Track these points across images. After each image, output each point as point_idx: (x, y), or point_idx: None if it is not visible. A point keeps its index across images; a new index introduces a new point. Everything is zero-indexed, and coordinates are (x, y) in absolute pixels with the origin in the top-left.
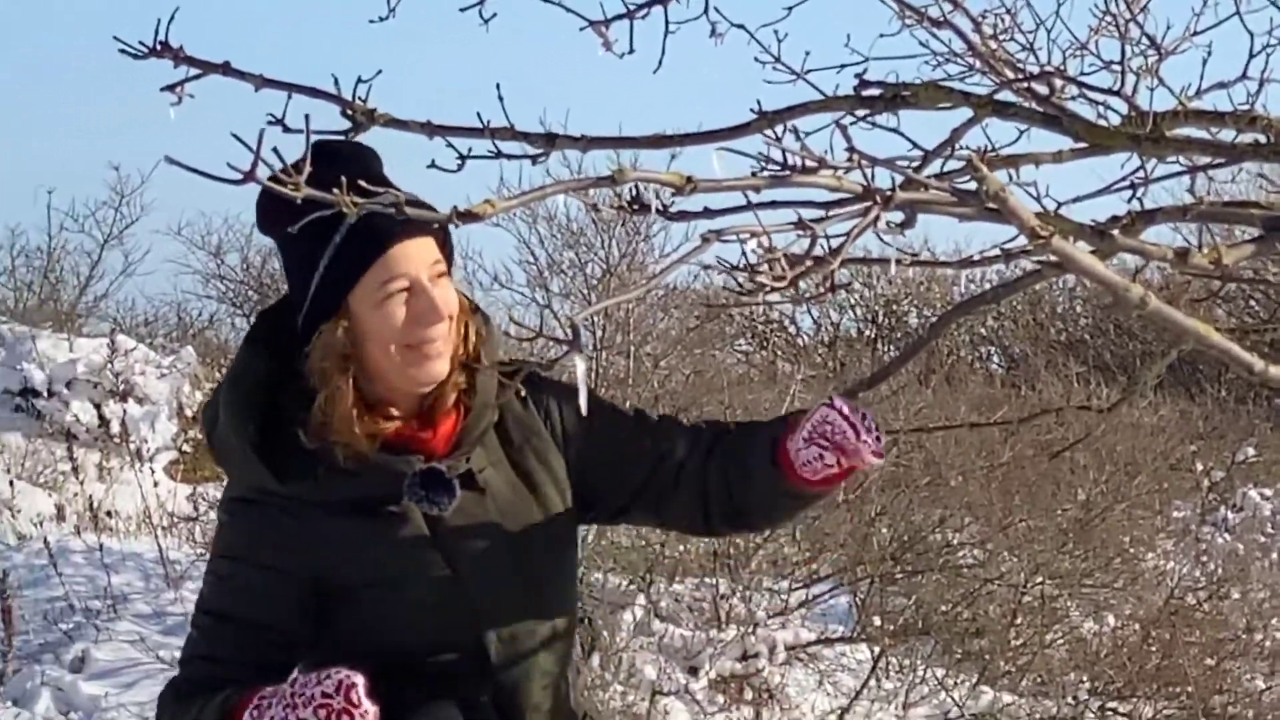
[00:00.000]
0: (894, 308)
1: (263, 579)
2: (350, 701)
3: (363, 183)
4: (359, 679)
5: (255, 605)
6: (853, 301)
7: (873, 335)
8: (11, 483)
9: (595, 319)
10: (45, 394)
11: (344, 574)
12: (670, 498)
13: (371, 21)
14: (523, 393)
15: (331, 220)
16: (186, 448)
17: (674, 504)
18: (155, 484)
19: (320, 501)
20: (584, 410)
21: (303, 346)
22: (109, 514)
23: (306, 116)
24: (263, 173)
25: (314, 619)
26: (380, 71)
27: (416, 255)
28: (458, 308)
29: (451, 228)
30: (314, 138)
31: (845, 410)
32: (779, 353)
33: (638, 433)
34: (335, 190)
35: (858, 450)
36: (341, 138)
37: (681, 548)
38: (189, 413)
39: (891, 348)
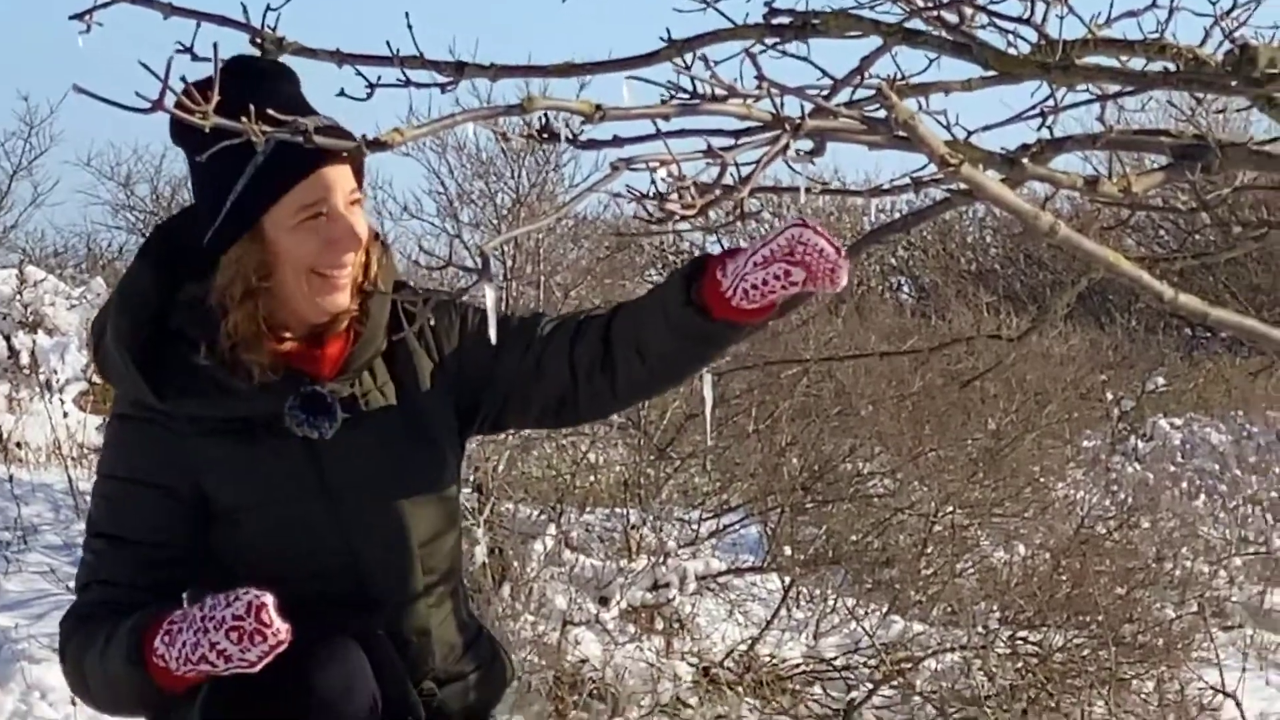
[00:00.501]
0: None
1: (150, 497)
2: (261, 622)
3: (272, 110)
4: (268, 598)
5: (145, 524)
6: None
7: None
8: None
9: (505, 249)
10: None
11: (224, 494)
12: (575, 388)
13: None
14: (432, 322)
15: (250, 141)
16: (96, 379)
17: (582, 390)
18: (65, 415)
19: (201, 419)
20: (493, 339)
21: (206, 265)
22: (18, 445)
23: (215, 44)
24: (171, 101)
25: (205, 536)
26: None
27: (336, 182)
28: (367, 237)
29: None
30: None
31: (820, 229)
32: None
33: (514, 332)
34: (244, 119)
35: (835, 268)
36: (259, 55)
37: (592, 478)
38: None
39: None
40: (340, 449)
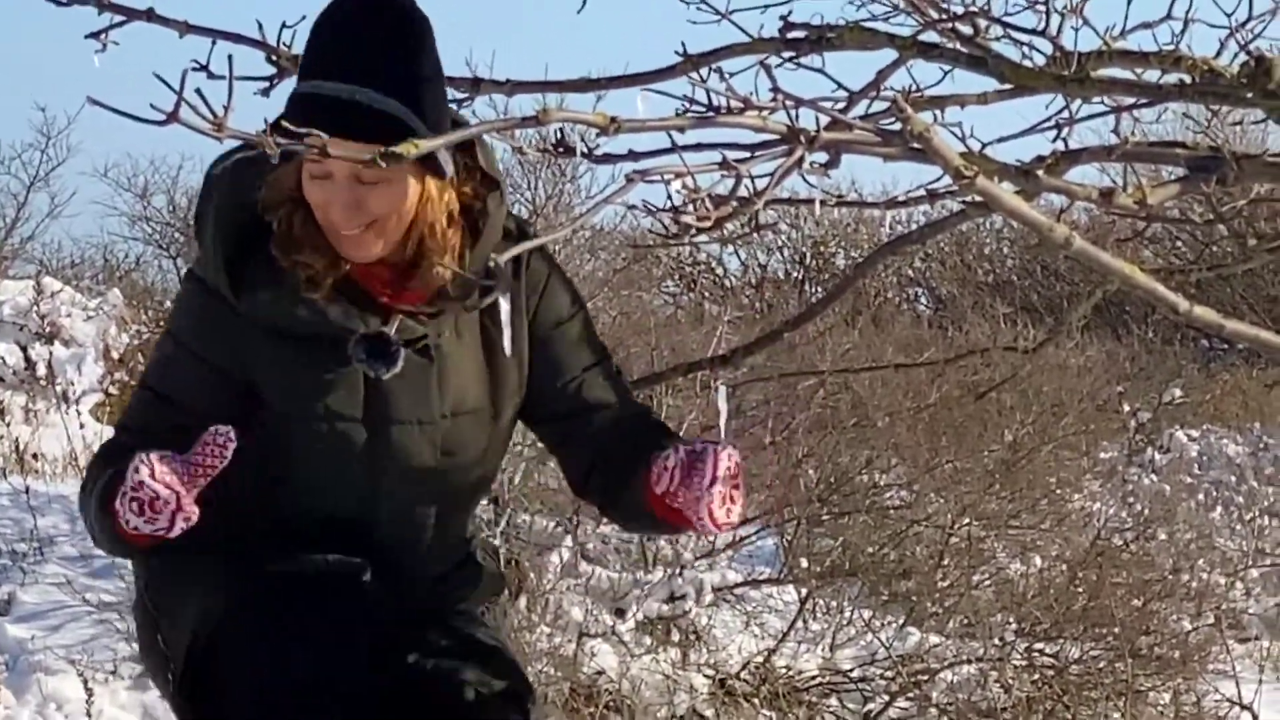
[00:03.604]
0: (821, 249)
1: (202, 370)
2: (151, 493)
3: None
4: (149, 468)
5: (191, 393)
6: (780, 243)
7: (800, 276)
8: None
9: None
10: None
11: (273, 396)
12: (570, 447)
13: None
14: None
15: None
16: (113, 390)
17: (570, 455)
18: (81, 426)
19: (268, 324)
20: (507, 352)
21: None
22: (35, 456)
23: (230, 57)
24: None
25: (243, 423)
26: (305, 17)
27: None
28: (390, 213)
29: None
30: (239, 85)
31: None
32: (706, 294)
33: (588, 372)
34: (258, 131)
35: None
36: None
37: None
38: (115, 355)
39: (819, 289)
40: (391, 386)
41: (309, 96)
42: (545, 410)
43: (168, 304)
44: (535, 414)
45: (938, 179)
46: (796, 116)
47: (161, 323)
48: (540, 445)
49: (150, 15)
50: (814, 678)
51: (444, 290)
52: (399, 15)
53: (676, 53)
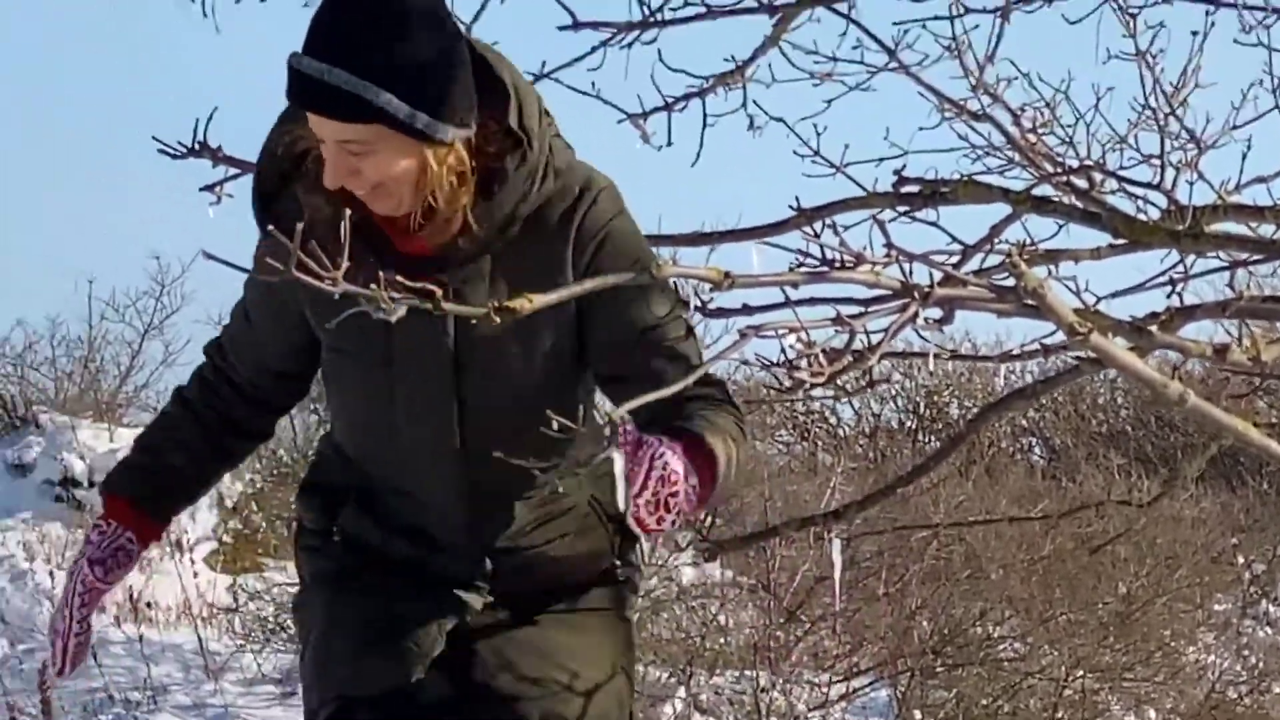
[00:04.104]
0: (935, 398)
1: (268, 301)
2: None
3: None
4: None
5: (262, 313)
6: (893, 392)
7: (914, 426)
8: (52, 573)
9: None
10: (86, 484)
11: (320, 329)
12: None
13: None
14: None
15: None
16: (227, 538)
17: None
18: (195, 575)
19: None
20: (622, 507)
21: None
22: (149, 605)
23: (348, 213)
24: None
25: (309, 356)
26: None
27: (320, 128)
28: (383, 179)
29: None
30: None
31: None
32: (820, 444)
33: (640, 337)
34: (374, 285)
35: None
36: None
37: (722, 640)
38: (229, 503)
39: (933, 438)
40: (411, 329)
41: (291, 70)
42: (597, 369)
43: (280, 452)
44: (594, 370)
45: (1052, 333)
46: (910, 271)
47: (275, 472)
48: (653, 595)
49: None
50: None
51: (453, 244)
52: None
53: (790, 206)
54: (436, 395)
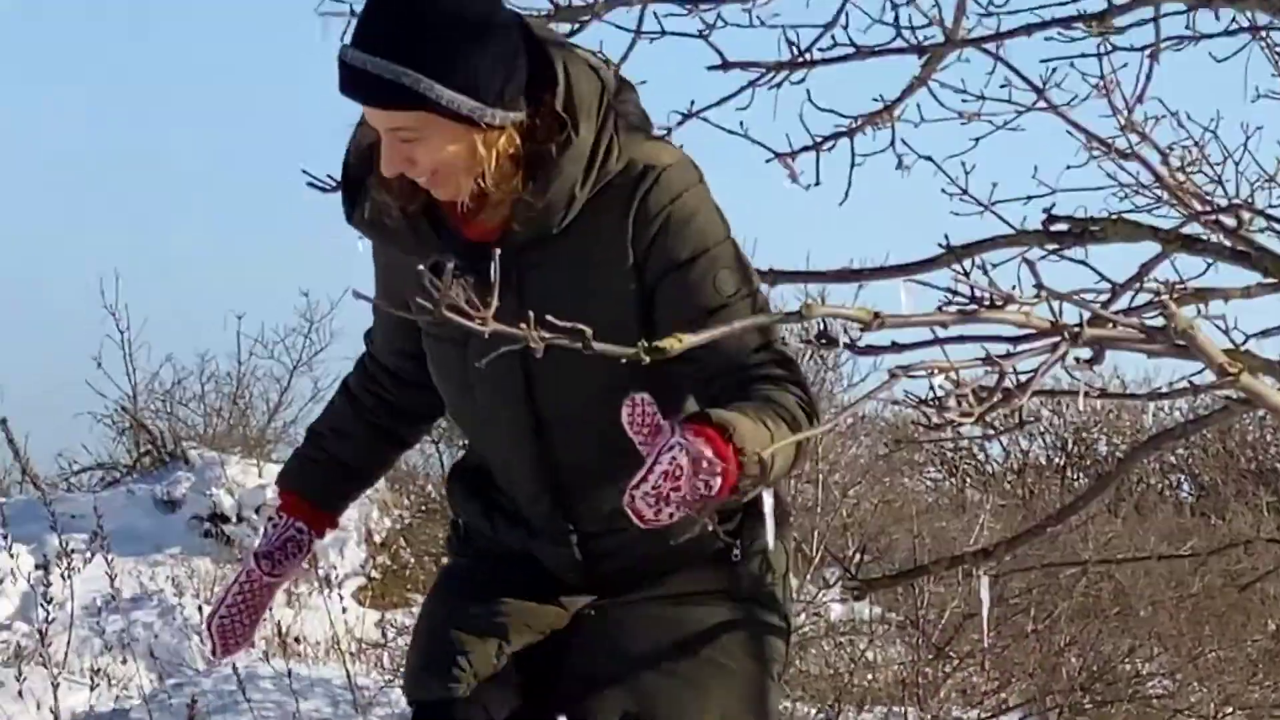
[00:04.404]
0: (1083, 435)
1: (379, 285)
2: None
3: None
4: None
5: (383, 315)
6: (1041, 429)
7: (1062, 463)
8: (200, 608)
9: None
10: (234, 519)
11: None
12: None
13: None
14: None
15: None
16: (375, 574)
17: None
18: (344, 610)
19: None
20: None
21: None
22: (297, 640)
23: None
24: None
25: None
26: None
27: (371, 117)
28: (437, 165)
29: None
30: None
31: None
32: (968, 480)
33: (696, 323)
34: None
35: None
36: None
37: (870, 676)
38: (378, 539)
39: (1081, 475)
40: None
41: (341, 64)
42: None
43: (429, 489)
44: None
45: (1200, 370)
46: (1060, 310)
47: (423, 508)
48: (802, 631)
49: None
50: None
51: (510, 228)
52: None
53: (939, 244)
54: (504, 372)
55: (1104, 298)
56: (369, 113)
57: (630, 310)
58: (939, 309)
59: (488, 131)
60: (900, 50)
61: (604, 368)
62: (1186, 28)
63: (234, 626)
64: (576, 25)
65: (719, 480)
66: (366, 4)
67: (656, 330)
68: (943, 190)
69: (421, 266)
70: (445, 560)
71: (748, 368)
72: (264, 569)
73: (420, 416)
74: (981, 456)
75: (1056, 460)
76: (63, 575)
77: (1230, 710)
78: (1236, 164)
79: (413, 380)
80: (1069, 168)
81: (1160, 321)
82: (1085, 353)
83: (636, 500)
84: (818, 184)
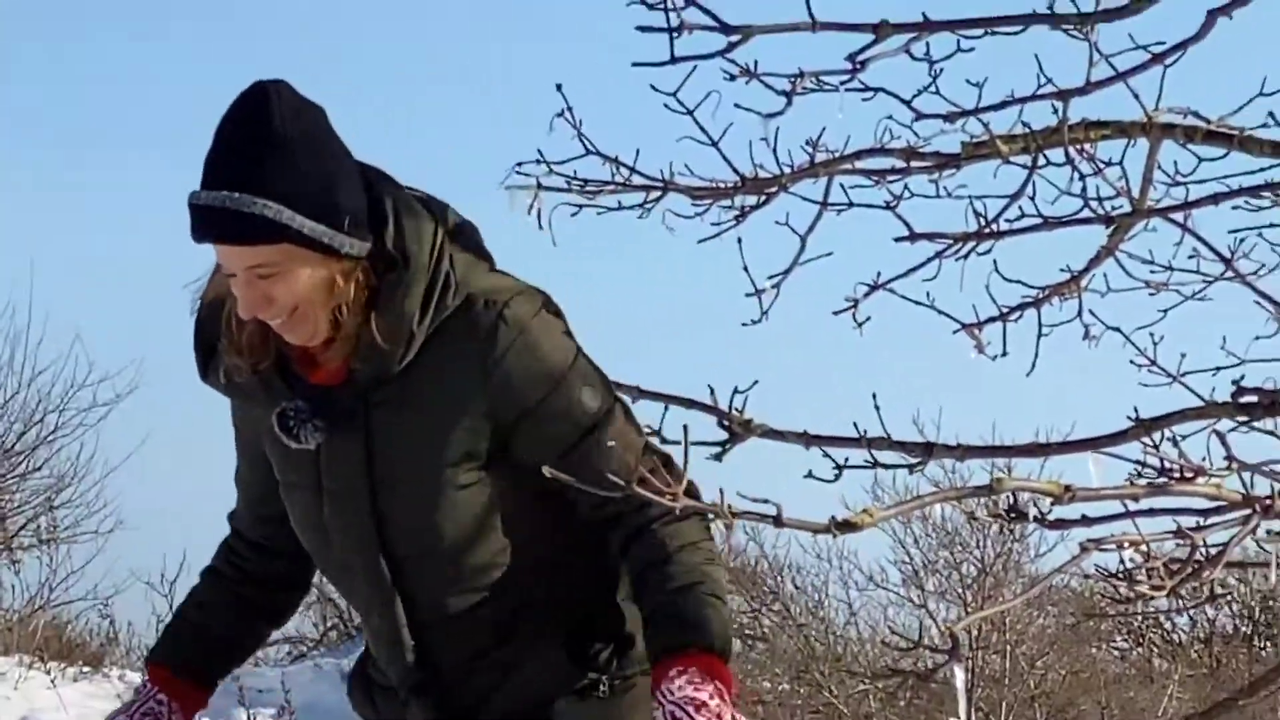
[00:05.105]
0: (1270, 603)
1: (243, 446)
2: None
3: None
4: None
5: (246, 468)
6: (1229, 598)
7: (1249, 631)
8: None
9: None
10: None
11: (273, 464)
12: None
13: (744, 324)
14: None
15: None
16: None
17: None
18: None
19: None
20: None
21: None
22: None
23: (685, 427)
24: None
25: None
26: (756, 382)
27: (229, 258)
28: (297, 300)
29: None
30: (692, 450)
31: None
32: (1155, 649)
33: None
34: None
35: None
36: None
37: None
38: None
39: (1269, 644)
40: (333, 451)
41: (190, 206)
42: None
43: None
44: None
45: None
46: (1251, 482)
47: None
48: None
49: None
50: None
51: (353, 367)
52: (268, 114)
53: (1129, 417)
54: (355, 516)
55: None
56: (226, 253)
57: (482, 442)
58: (1129, 482)
59: (343, 261)
60: (1087, 220)
61: (457, 501)
62: None
63: None
64: (763, 197)
65: (728, 701)
66: (212, 146)
67: (528, 459)
68: (1131, 361)
69: (274, 414)
70: None
71: (637, 506)
72: None
73: (287, 584)
74: (1168, 625)
75: (1244, 629)
76: None
77: None
78: None
79: (278, 549)
80: (1258, 338)
81: None
82: (1277, 525)
83: None
84: (1004, 355)
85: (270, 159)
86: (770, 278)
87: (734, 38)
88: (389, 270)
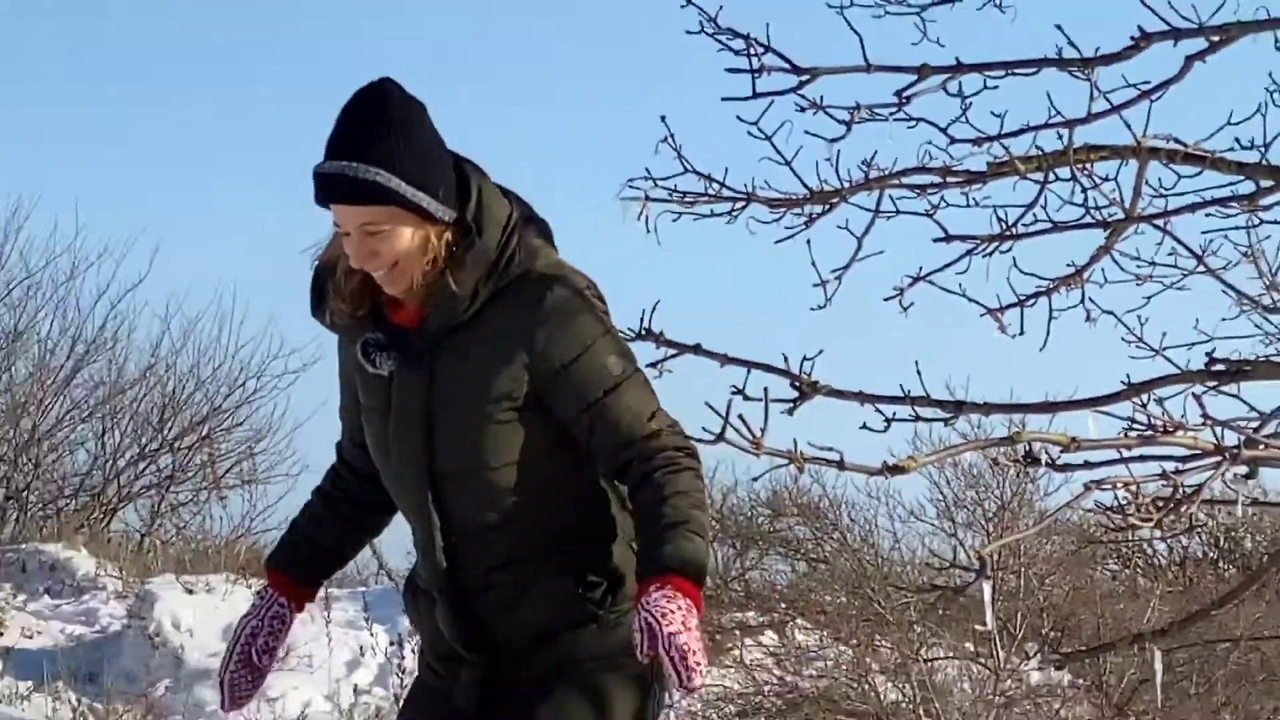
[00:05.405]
0: (1232, 533)
1: (341, 381)
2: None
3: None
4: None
5: (344, 400)
6: (1202, 528)
7: (1215, 557)
8: None
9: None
10: None
11: (359, 395)
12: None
13: (812, 309)
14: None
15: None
16: None
17: None
18: None
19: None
20: (990, 626)
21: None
22: None
23: (765, 389)
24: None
25: None
26: (822, 351)
27: (344, 217)
28: (398, 255)
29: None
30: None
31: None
32: (1140, 570)
33: (584, 414)
34: (788, 450)
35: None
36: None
37: None
38: None
39: (1230, 566)
40: (403, 381)
41: (315, 174)
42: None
43: None
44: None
45: None
46: (1221, 435)
47: None
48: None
49: (697, 349)
50: None
51: (429, 316)
52: (382, 103)
53: (1121, 382)
54: (410, 433)
55: (1256, 425)
56: (342, 213)
57: (522, 388)
58: (1122, 434)
59: (436, 225)
60: (1088, 225)
61: (495, 433)
62: None
63: (239, 683)
64: (827, 207)
65: (696, 615)
66: (334, 127)
67: (558, 408)
68: (1122, 339)
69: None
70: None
71: (648, 445)
72: (260, 646)
73: (377, 504)
74: (1149, 551)
75: (1211, 555)
76: (413, 650)
77: None
78: None
79: (368, 473)
80: (1224, 320)
81: None
82: (1242, 469)
83: (688, 684)
84: (1022, 334)
85: (381, 137)
86: (833, 271)
87: (803, 77)
88: (466, 237)
